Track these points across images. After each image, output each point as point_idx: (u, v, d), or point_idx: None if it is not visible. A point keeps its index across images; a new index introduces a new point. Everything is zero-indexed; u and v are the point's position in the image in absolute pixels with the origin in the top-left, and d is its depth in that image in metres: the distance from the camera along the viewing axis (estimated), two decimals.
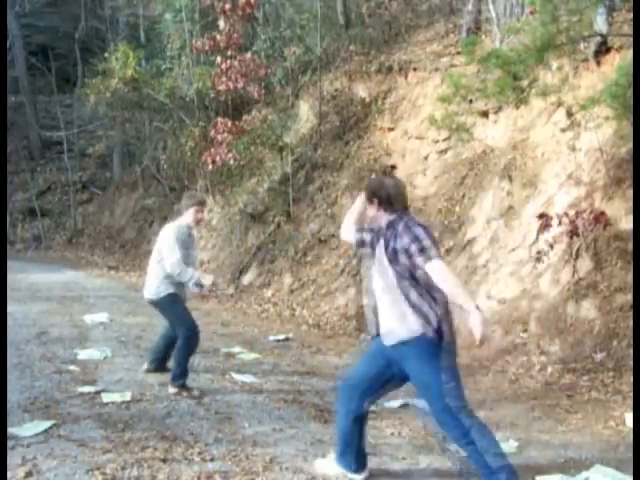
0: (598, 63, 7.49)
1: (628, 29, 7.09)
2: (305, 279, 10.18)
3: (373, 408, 5.09)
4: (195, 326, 5.79)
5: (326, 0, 13.56)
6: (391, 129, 10.75)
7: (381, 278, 3.66)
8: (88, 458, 3.96)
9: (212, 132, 11.58)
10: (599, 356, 5.98)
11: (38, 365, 6.22)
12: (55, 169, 21.88)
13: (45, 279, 12.85)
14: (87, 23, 22.43)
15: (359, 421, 3.80)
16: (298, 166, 11.90)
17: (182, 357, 5.65)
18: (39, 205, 20.17)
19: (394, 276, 3.59)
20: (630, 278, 6.10)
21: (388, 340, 3.64)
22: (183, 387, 5.54)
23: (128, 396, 5.28)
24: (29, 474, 3.70)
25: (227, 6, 11.49)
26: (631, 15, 6.49)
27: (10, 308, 8.22)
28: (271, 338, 7.95)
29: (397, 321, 3.58)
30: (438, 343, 3.52)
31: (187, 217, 5.83)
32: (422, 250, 3.48)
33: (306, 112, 12.68)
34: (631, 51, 5.77)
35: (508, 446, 4.36)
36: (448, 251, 8.40)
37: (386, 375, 3.72)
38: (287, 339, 7.95)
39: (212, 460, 4.01)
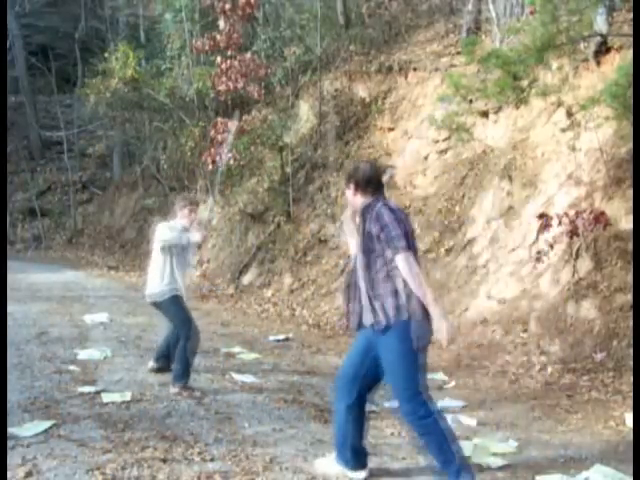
0: (598, 63, 7.49)
1: (628, 29, 7.09)
2: (305, 279, 10.18)
3: (374, 408, 5.10)
4: (195, 327, 5.83)
5: (326, 0, 13.55)
6: (391, 129, 10.75)
7: (357, 263, 3.71)
8: (88, 458, 3.95)
9: (212, 132, 11.58)
10: (599, 356, 5.98)
11: (38, 365, 6.22)
12: (55, 169, 21.89)
13: (45, 279, 12.86)
14: (87, 23, 22.43)
15: (358, 416, 3.80)
16: (298, 166, 11.91)
17: (184, 358, 5.67)
18: (39, 205, 20.18)
19: (366, 261, 3.64)
20: (630, 278, 6.10)
21: (367, 326, 3.69)
22: (185, 387, 5.54)
23: (128, 396, 5.28)
24: (29, 474, 3.70)
25: (227, 6, 11.49)
26: (631, 15, 6.49)
27: (10, 308, 8.22)
28: (271, 338, 7.95)
29: (369, 308, 3.64)
30: (407, 330, 3.53)
31: (181, 218, 5.90)
32: (390, 240, 3.53)
33: (306, 112, 12.68)
34: (631, 51, 5.77)
35: (508, 446, 4.36)
36: (448, 251, 8.41)
37: (375, 362, 3.74)
38: (287, 339, 7.95)
39: (212, 460, 4.01)
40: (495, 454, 4.17)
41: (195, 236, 6.02)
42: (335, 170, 11.22)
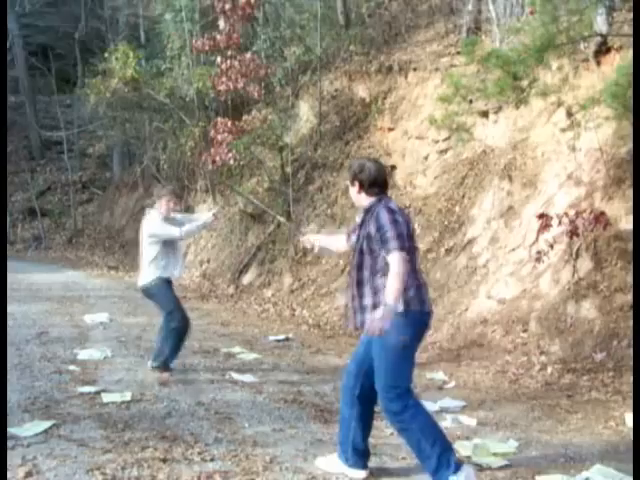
0: (598, 63, 7.49)
1: (628, 29, 7.09)
2: (305, 279, 10.18)
3: (375, 409, 5.09)
4: (185, 315, 6.08)
5: (326, 0, 13.55)
6: (391, 129, 10.74)
7: (355, 258, 3.74)
8: (88, 458, 3.96)
9: (212, 132, 11.58)
10: (599, 356, 5.98)
11: (38, 365, 6.23)
12: (55, 169, 21.90)
13: (45, 279, 12.86)
14: (87, 23, 22.42)
15: (363, 415, 3.81)
16: (298, 166, 11.90)
17: (173, 343, 5.94)
18: (39, 205, 20.19)
19: (360, 261, 3.68)
20: (630, 278, 6.10)
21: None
22: (166, 368, 5.87)
23: (128, 396, 5.28)
24: (29, 474, 3.70)
25: (227, 6, 11.48)
26: (631, 15, 6.48)
27: (10, 308, 8.23)
28: (271, 338, 7.95)
29: (358, 307, 3.70)
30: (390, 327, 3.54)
31: (160, 207, 6.07)
32: (384, 241, 3.55)
33: (306, 112, 12.68)
34: (631, 51, 5.76)
35: (508, 446, 4.36)
36: (448, 251, 8.41)
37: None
38: (287, 339, 7.95)
39: (212, 460, 4.01)
40: (495, 454, 4.17)
41: (206, 216, 6.36)
42: (335, 170, 11.22)
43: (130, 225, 17.72)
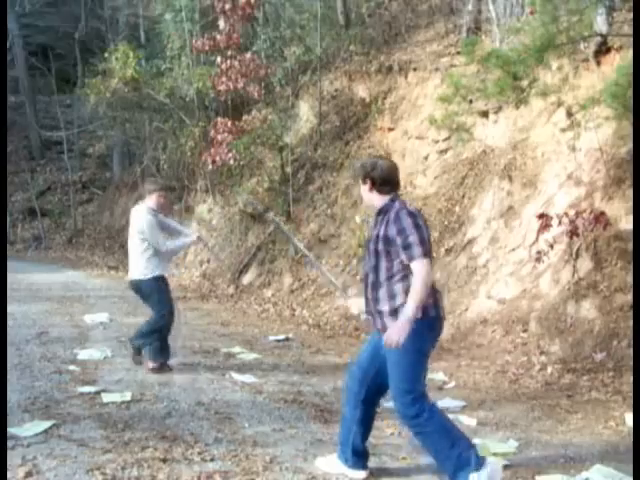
0: (598, 63, 7.49)
1: (628, 29, 7.09)
2: (305, 279, 10.18)
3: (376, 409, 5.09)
4: (172, 311, 6.16)
5: (326, 0, 13.55)
6: (391, 129, 10.74)
7: (369, 260, 3.69)
8: (88, 458, 3.95)
9: (212, 132, 11.58)
10: (599, 356, 5.98)
11: (38, 365, 6.23)
12: (55, 169, 21.89)
13: (45, 279, 12.86)
14: (87, 23, 22.41)
15: (365, 417, 3.80)
16: (298, 166, 11.90)
17: (148, 331, 6.08)
18: (39, 205, 20.18)
19: (375, 263, 3.63)
20: (630, 278, 6.10)
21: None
22: (138, 356, 6.09)
23: (128, 396, 5.28)
24: (29, 474, 3.70)
25: (227, 6, 11.49)
26: (631, 15, 6.48)
27: (10, 308, 8.23)
28: (271, 338, 7.95)
29: (377, 305, 3.64)
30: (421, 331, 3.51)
31: (150, 201, 6.11)
32: (407, 247, 3.50)
33: (306, 112, 12.67)
34: (631, 51, 5.76)
35: (508, 446, 4.36)
36: (448, 251, 8.41)
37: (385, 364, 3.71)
38: (287, 339, 7.95)
39: (212, 460, 4.01)
40: (495, 454, 4.17)
41: (193, 237, 6.37)
42: (335, 170, 11.22)
43: None
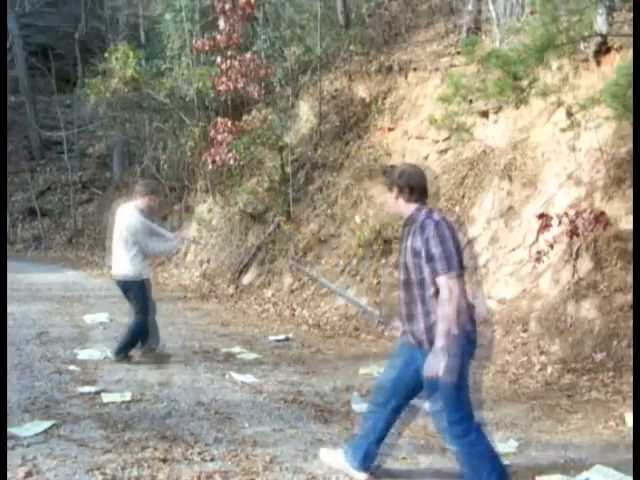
0: (598, 63, 7.49)
1: (628, 29, 7.09)
2: (305, 279, 10.18)
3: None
4: (153, 304, 6.51)
5: (326, 0, 13.54)
6: (391, 129, 10.74)
7: (400, 274, 3.55)
8: (88, 458, 3.96)
9: (212, 132, 11.58)
10: (599, 356, 5.98)
11: (38, 365, 6.23)
12: (55, 169, 21.87)
13: (45, 279, 12.86)
14: (87, 23, 22.40)
15: (385, 425, 3.76)
16: (298, 166, 11.90)
17: (134, 332, 6.33)
18: (39, 205, 20.17)
19: (406, 277, 3.49)
20: (630, 278, 6.10)
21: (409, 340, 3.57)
22: (126, 357, 6.28)
23: (128, 396, 5.28)
24: (29, 474, 3.70)
25: (227, 6, 11.49)
26: (631, 15, 6.48)
27: (10, 308, 8.23)
28: (271, 338, 7.95)
29: (412, 323, 3.52)
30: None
31: (140, 203, 6.38)
32: (430, 260, 3.35)
33: (306, 112, 12.67)
34: (631, 51, 5.76)
35: (508, 446, 4.36)
36: None
37: (415, 376, 3.58)
38: (287, 339, 7.95)
39: (212, 460, 4.01)
40: None
41: (178, 240, 6.56)
42: (335, 170, 11.22)
43: None
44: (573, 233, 6.54)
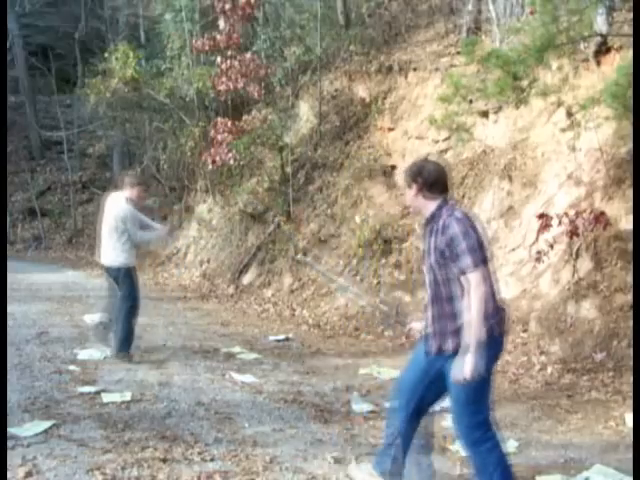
0: (598, 63, 7.49)
1: (628, 29, 7.09)
2: (305, 279, 10.18)
3: (375, 409, 5.10)
4: (138, 298, 6.57)
5: (326, 0, 13.54)
6: (391, 129, 10.74)
7: (426, 275, 3.44)
8: (88, 458, 3.96)
9: (212, 132, 11.58)
10: (599, 356, 5.98)
11: (38, 365, 6.23)
12: (55, 169, 21.87)
13: (45, 279, 12.86)
14: (87, 23, 22.40)
15: (409, 432, 3.63)
16: (298, 166, 11.90)
17: (127, 326, 6.39)
18: (39, 205, 20.17)
19: (432, 278, 3.38)
20: (630, 278, 6.10)
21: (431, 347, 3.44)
22: (128, 354, 6.34)
23: (128, 396, 5.28)
24: (29, 474, 3.70)
25: (227, 6, 11.48)
26: (631, 15, 6.48)
27: (10, 308, 8.22)
28: (271, 338, 7.95)
29: (431, 331, 3.41)
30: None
31: (129, 193, 6.47)
32: (456, 258, 3.24)
33: (306, 112, 12.67)
34: (631, 51, 5.76)
35: (508, 446, 4.35)
36: None
37: (436, 382, 3.48)
38: (287, 339, 7.96)
39: (212, 460, 4.01)
40: None
41: (162, 231, 6.98)
42: (335, 170, 11.22)
43: None
44: (573, 233, 6.54)
